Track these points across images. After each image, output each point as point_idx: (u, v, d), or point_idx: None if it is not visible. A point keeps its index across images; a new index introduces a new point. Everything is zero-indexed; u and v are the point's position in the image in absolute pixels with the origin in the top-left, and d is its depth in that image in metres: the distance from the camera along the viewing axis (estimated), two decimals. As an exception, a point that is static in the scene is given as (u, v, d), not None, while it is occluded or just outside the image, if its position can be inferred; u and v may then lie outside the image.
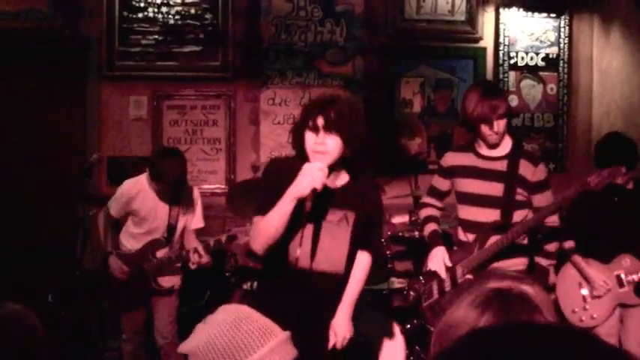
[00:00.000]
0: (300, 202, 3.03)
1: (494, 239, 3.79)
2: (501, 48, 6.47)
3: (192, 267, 4.58)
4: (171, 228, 4.74)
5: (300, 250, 3.17)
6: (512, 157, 3.82)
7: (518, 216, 3.82)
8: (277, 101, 6.24)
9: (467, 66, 6.44)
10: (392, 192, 5.70)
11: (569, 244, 4.46)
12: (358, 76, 6.31)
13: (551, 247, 3.92)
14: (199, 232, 4.92)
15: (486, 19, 6.48)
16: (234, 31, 6.27)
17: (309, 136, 3.12)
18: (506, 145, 3.86)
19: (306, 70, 6.28)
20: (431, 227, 4.11)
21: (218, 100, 6.30)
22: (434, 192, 4.17)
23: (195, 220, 4.87)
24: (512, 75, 6.52)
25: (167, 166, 4.47)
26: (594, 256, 4.45)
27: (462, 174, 3.94)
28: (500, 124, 3.72)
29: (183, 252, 4.65)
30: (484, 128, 3.74)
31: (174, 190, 4.60)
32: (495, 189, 3.80)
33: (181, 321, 4.91)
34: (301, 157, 3.16)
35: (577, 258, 4.46)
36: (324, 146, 3.09)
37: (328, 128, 3.08)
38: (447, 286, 3.91)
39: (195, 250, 4.54)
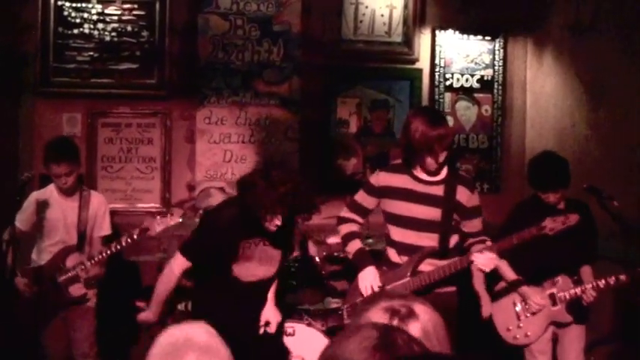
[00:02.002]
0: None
1: (428, 264, 4.06)
2: (437, 69, 6.92)
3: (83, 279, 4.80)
4: (81, 235, 4.95)
5: (244, 272, 4.11)
6: (449, 183, 4.07)
7: (453, 241, 4.13)
8: (213, 120, 6.57)
9: (403, 87, 6.87)
10: (327, 212, 5.95)
11: (509, 274, 4.75)
12: (295, 95, 6.70)
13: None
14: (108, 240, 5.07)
15: (423, 40, 6.93)
16: (170, 49, 6.58)
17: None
18: (443, 170, 4.10)
19: (243, 89, 6.65)
20: (356, 245, 4.28)
21: (154, 118, 6.61)
22: (358, 208, 4.33)
23: (103, 227, 5.05)
24: (447, 96, 6.97)
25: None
26: (528, 274, 4.73)
27: (396, 195, 4.11)
28: (444, 154, 3.98)
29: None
30: (429, 157, 3.96)
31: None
32: (433, 214, 4.04)
33: (106, 340, 5.09)
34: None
35: (512, 276, 4.74)
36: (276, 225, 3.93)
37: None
38: None
39: (82, 264, 4.78)
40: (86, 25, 6.49)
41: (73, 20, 6.47)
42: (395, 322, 1.83)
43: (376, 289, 4.09)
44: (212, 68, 6.59)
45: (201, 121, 6.58)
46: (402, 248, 4.14)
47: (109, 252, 4.72)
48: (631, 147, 5.77)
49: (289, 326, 5.02)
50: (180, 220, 4.72)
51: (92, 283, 4.96)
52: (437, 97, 6.93)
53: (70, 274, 4.84)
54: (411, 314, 1.85)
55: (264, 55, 6.66)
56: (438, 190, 4.06)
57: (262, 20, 6.65)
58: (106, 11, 6.50)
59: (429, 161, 3.97)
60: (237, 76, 6.63)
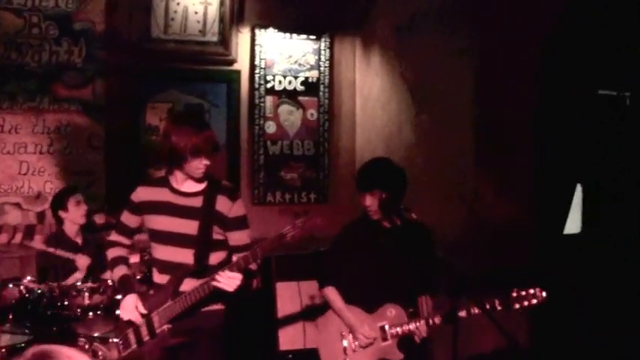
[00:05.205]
0: None
1: (188, 283, 4.07)
2: (257, 71, 6.97)
3: None
4: None
5: None
6: (209, 193, 4.13)
7: (217, 257, 4.12)
8: (7, 128, 6.41)
9: (219, 90, 6.89)
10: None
11: (329, 291, 4.68)
12: (99, 100, 6.63)
13: None
14: None
15: (241, 40, 6.97)
16: (-45, 50, 6.36)
17: None
18: (204, 181, 4.18)
19: (40, 94, 6.52)
20: (121, 271, 4.29)
21: (-64, 126, 6.37)
22: (123, 229, 4.36)
23: None
24: (269, 100, 7.04)
25: None
26: (358, 303, 4.60)
27: (155, 210, 4.15)
28: (211, 157, 4.07)
29: None
30: (196, 162, 4.02)
31: None
32: (190, 227, 4.08)
33: None
34: None
35: (339, 305, 4.62)
36: None
37: None
38: (145, 336, 4.16)
39: None
40: None
41: None
42: None
43: (138, 318, 4.13)
44: (4, 71, 6.43)
45: (-7, 130, 6.41)
46: (162, 266, 4.17)
47: None
48: (453, 153, 5.88)
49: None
50: None
51: None
52: (257, 100, 6.98)
53: None
54: None
55: (64, 56, 6.55)
56: (197, 202, 4.13)
57: (61, 17, 6.54)
58: None
59: (198, 165, 4.04)
60: (33, 79, 6.49)
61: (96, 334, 5.26)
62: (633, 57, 5.70)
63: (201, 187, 4.16)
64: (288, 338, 6.08)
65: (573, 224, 6.31)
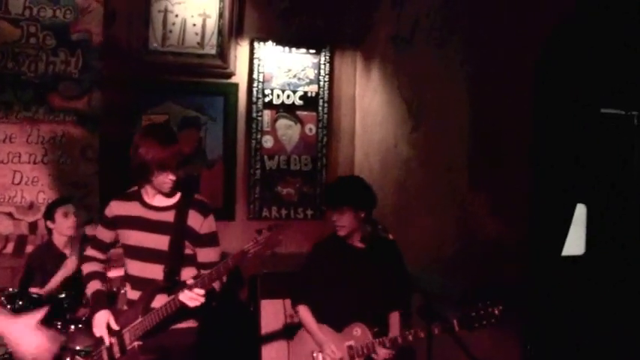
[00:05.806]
0: None
1: (160, 299, 4.06)
2: (255, 85, 6.96)
3: None
4: None
5: None
6: (181, 207, 4.10)
7: (189, 272, 4.09)
8: (1, 137, 6.44)
9: (217, 103, 6.87)
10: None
11: (301, 309, 4.73)
12: (95, 111, 6.64)
13: None
14: None
15: (239, 53, 6.95)
16: (-48, 58, 6.40)
17: None
18: (176, 195, 4.15)
19: (36, 104, 6.53)
20: (94, 286, 4.28)
21: None
22: (98, 244, 4.38)
23: None
24: (266, 114, 7.01)
25: None
26: (328, 322, 4.68)
27: (127, 225, 4.15)
28: (178, 173, 4.04)
29: None
30: (162, 175, 3.99)
31: None
32: (161, 242, 4.07)
33: None
34: None
35: (310, 323, 4.70)
36: None
37: None
38: (117, 353, 4.14)
39: None
40: None
41: None
42: None
43: (114, 327, 4.12)
44: (0, 80, 6.44)
45: (-13, 139, 6.44)
46: (134, 282, 4.18)
47: None
48: (447, 168, 5.80)
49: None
50: None
51: None
52: (254, 114, 6.96)
53: None
54: None
55: (60, 67, 6.57)
56: (169, 216, 4.10)
57: (59, 28, 6.57)
58: None
59: (165, 179, 4.01)
60: (29, 89, 6.52)
61: (78, 347, 5.26)
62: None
63: (172, 201, 4.14)
64: (272, 356, 6.02)
65: (577, 246, 6.18)
